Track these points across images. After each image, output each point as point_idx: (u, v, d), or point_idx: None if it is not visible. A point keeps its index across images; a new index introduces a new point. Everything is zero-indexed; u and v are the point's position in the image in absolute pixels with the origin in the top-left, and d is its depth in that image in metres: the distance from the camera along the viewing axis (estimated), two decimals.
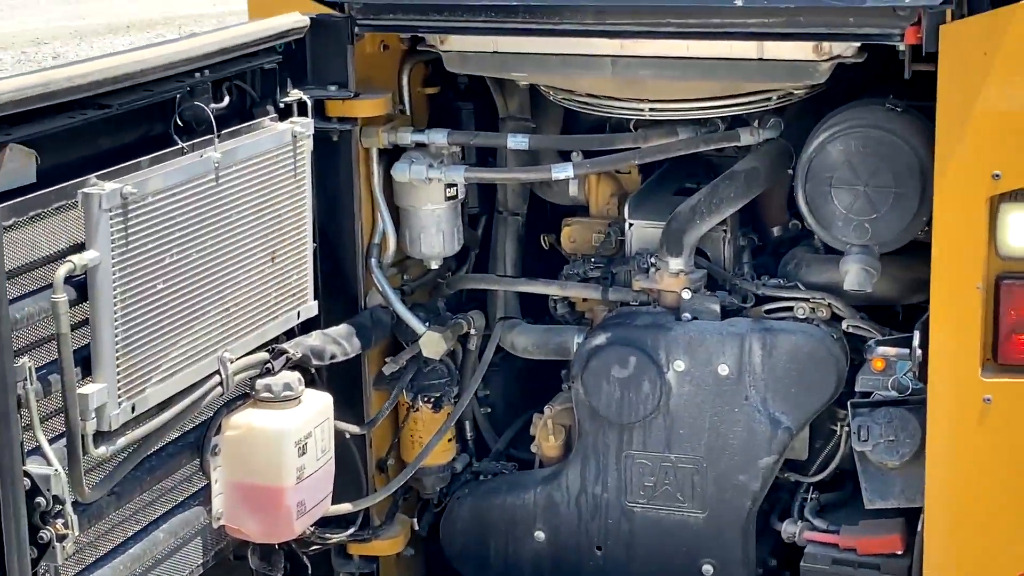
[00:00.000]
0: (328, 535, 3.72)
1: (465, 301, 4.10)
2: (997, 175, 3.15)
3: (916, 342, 3.32)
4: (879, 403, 3.50)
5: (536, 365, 4.05)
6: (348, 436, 3.73)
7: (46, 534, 2.61)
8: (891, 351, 3.44)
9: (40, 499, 2.60)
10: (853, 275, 3.42)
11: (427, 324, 3.78)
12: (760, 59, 3.35)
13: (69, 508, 2.65)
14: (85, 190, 2.71)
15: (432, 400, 3.85)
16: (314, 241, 3.57)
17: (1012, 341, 3.27)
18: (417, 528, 4.03)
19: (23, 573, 2.54)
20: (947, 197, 3.19)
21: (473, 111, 3.98)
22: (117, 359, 2.80)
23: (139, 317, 2.85)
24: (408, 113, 3.82)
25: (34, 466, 2.60)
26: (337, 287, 3.72)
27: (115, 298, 2.77)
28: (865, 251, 3.43)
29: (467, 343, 4.00)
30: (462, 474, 4.06)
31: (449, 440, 3.98)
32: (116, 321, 2.78)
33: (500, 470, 4.03)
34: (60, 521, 2.65)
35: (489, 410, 4.20)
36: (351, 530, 3.78)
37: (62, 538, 2.62)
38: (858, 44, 3.31)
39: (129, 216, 2.79)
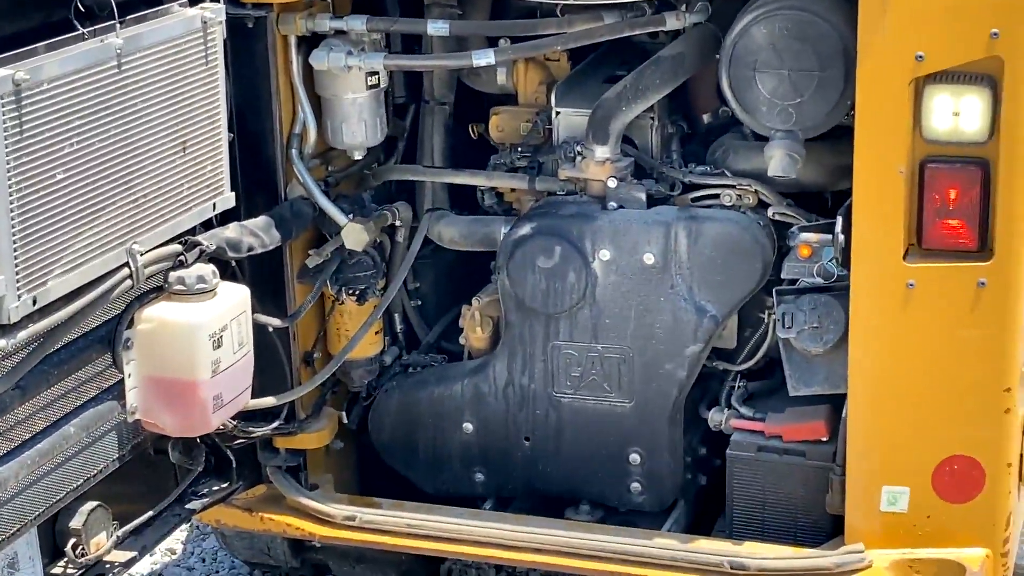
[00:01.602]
0: (252, 429, 3.69)
1: (395, 193, 4.04)
2: (920, 56, 3.10)
3: (839, 228, 3.29)
4: (804, 290, 3.49)
5: (467, 257, 4.01)
6: (271, 329, 3.68)
7: None
8: (814, 237, 3.40)
9: None
10: (777, 161, 3.38)
11: (350, 216, 3.72)
12: None
13: None
14: None
15: (357, 292, 3.80)
16: (231, 132, 3.49)
17: (936, 226, 3.24)
18: (346, 421, 4.00)
19: None
20: (869, 80, 3.15)
21: None
22: (15, 250, 2.73)
23: (37, 207, 2.78)
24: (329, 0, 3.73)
25: None
26: (257, 179, 3.65)
27: (10, 188, 2.69)
28: (789, 136, 3.39)
29: (395, 235, 3.95)
30: (391, 367, 4.03)
31: (376, 333, 3.94)
32: (12, 211, 2.70)
33: (429, 363, 4.01)
34: None
35: (420, 303, 4.16)
36: (275, 424, 3.75)
37: None
38: None
39: (23, 103, 2.70)
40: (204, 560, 4.85)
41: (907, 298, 3.25)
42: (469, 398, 3.83)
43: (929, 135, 3.19)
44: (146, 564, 4.76)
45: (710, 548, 3.56)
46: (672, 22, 3.59)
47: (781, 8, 3.34)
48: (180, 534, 4.91)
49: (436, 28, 3.62)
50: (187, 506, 3.64)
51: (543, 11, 3.84)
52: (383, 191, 4.01)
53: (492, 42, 3.79)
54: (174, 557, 4.85)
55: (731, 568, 3.46)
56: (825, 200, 3.72)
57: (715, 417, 3.73)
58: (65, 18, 3.01)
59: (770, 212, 3.59)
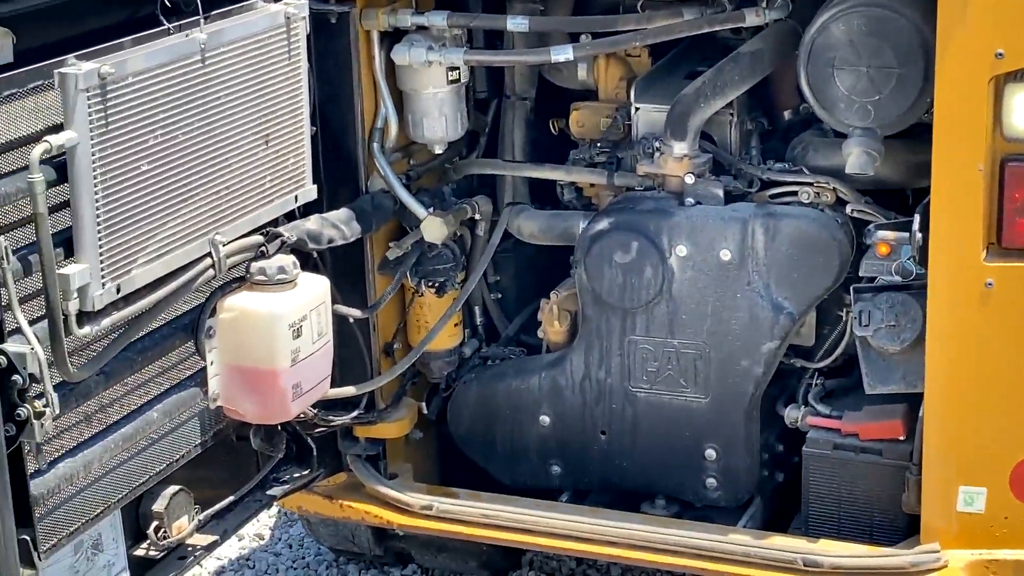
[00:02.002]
0: (332, 418, 3.75)
1: (476, 187, 4.08)
2: (1000, 54, 3.08)
3: (916, 226, 3.27)
4: (882, 288, 3.47)
5: (548, 251, 4.04)
6: (351, 320, 3.74)
7: (23, 412, 2.64)
8: (891, 235, 3.38)
9: (16, 377, 2.62)
10: (855, 158, 3.37)
11: (430, 209, 3.77)
12: None
13: (49, 386, 2.68)
14: (61, 70, 2.70)
15: (436, 285, 3.85)
16: (314, 125, 3.55)
17: (1016, 225, 3.21)
18: (425, 412, 4.06)
19: None
20: (948, 77, 3.12)
21: None
22: (100, 240, 2.80)
23: (122, 198, 2.85)
24: None
25: (10, 344, 2.62)
26: (339, 172, 3.71)
27: (95, 179, 2.77)
28: (867, 134, 3.37)
29: (475, 229, 4.00)
30: (471, 359, 4.07)
31: (456, 325, 3.98)
32: (97, 202, 2.78)
33: (507, 355, 4.04)
34: (39, 399, 2.67)
35: (500, 296, 4.19)
36: (355, 413, 3.80)
37: (39, 415, 2.65)
38: None
39: (108, 96, 2.77)
40: (291, 546, 4.92)
41: (985, 297, 3.22)
42: (546, 391, 3.86)
43: (1010, 133, 3.16)
44: (234, 549, 4.85)
45: (784, 545, 3.56)
46: (752, 18, 3.58)
47: (860, 4, 3.32)
48: (268, 520, 4.99)
49: (516, 24, 3.65)
50: (268, 492, 3.70)
51: (625, 7, 3.87)
52: (465, 185, 4.05)
53: (573, 38, 3.82)
54: (262, 543, 4.93)
55: (804, 565, 3.46)
56: (905, 197, 3.70)
57: (792, 414, 3.73)
58: (152, 13, 3.10)
59: (848, 209, 3.57)
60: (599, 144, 3.87)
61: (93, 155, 2.76)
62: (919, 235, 3.26)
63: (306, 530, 4.66)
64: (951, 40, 3.08)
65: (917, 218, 3.27)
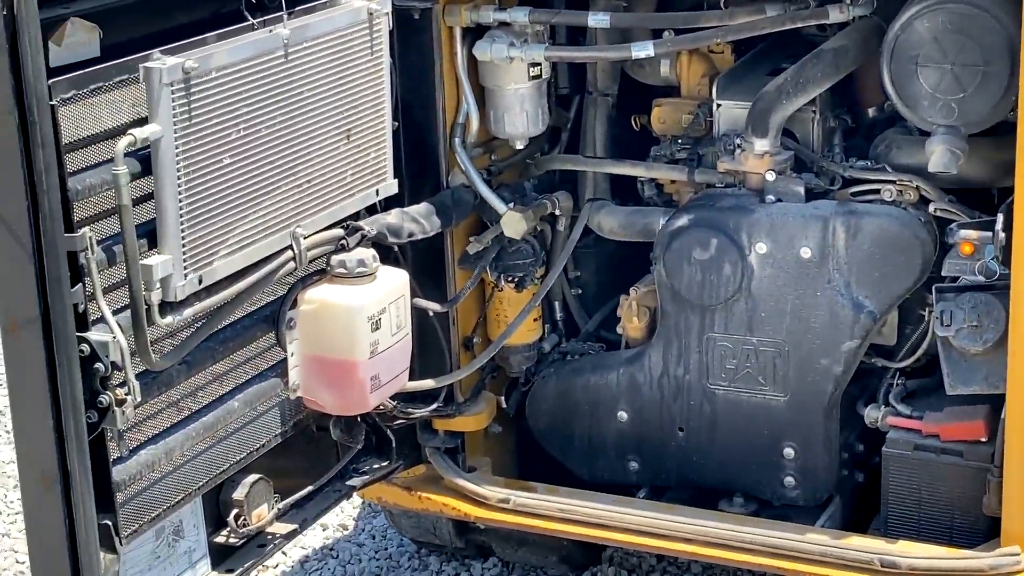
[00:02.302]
0: (411, 410, 3.78)
1: (558, 182, 4.09)
2: None
3: (999, 225, 3.23)
4: (964, 288, 3.43)
5: (629, 247, 4.04)
6: (431, 314, 3.77)
7: (105, 399, 2.70)
8: (974, 235, 3.34)
9: (99, 365, 2.68)
10: (938, 156, 3.33)
11: (510, 204, 3.78)
12: None
13: (131, 374, 2.73)
14: (146, 64, 2.75)
15: (515, 280, 3.87)
16: (396, 120, 3.59)
17: None
18: (505, 406, 4.08)
19: (79, 436, 2.63)
20: None
21: None
22: (182, 231, 2.85)
23: (204, 190, 2.90)
24: None
25: (93, 333, 2.68)
26: (421, 166, 3.74)
27: (178, 171, 2.82)
28: (951, 132, 3.34)
29: (556, 224, 4.01)
30: (550, 354, 4.08)
31: (535, 320, 4.00)
32: (180, 194, 2.83)
33: (586, 350, 4.05)
34: (121, 387, 2.73)
35: (580, 291, 4.20)
36: (434, 406, 3.83)
37: (121, 403, 2.70)
38: None
39: (192, 91, 2.82)
40: (374, 537, 4.97)
41: None
42: (624, 387, 3.86)
43: None
44: (319, 538, 4.90)
45: (861, 545, 3.53)
46: (836, 15, 3.55)
47: (945, 1, 3.29)
48: (352, 511, 5.03)
49: (597, 20, 3.65)
50: (348, 482, 3.73)
51: (708, 3, 3.86)
52: (547, 180, 4.06)
53: (657, 34, 3.82)
54: (345, 533, 4.98)
55: (881, 566, 3.44)
56: (991, 196, 3.66)
57: (872, 414, 3.70)
58: (237, 9, 3.14)
59: (931, 208, 3.54)
60: (680, 140, 3.86)
61: (176, 148, 2.81)
62: (1002, 234, 3.22)
63: (389, 521, 4.70)
64: None
65: (1000, 217, 3.24)
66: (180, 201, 2.84)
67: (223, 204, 2.96)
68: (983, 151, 3.47)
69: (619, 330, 3.98)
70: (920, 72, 3.34)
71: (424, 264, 3.78)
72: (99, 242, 2.74)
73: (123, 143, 2.71)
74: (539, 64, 3.75)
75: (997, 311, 3.36)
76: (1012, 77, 3.23)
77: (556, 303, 4.15)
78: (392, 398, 3.66)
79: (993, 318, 3.37)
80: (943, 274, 3.49)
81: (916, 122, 3.42)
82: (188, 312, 2.92)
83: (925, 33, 3.31)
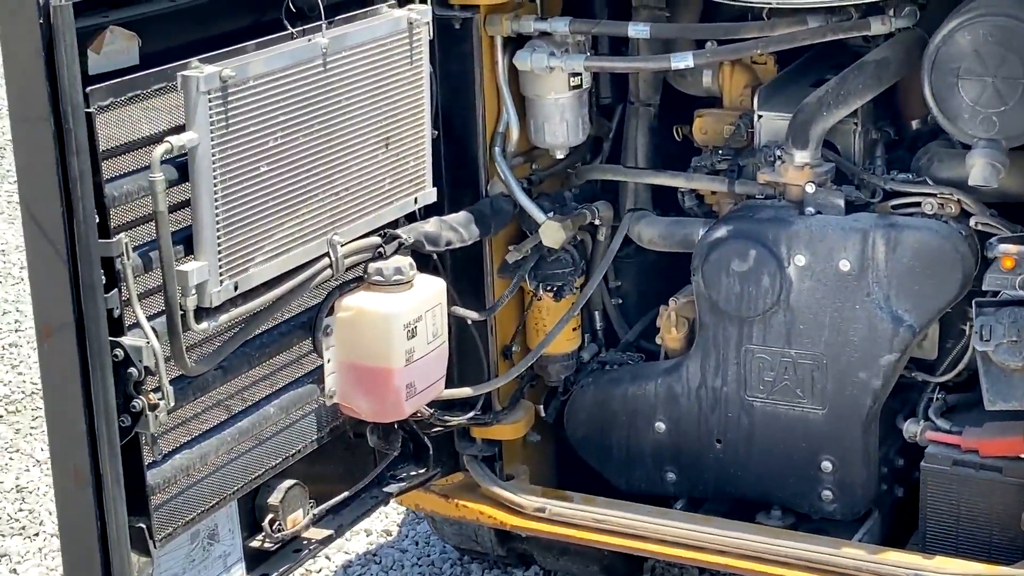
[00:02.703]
0: (449, 418, 3.80)
1: (600, 192, 4.10)
2: None
3: None
4: (1005, 303, 3.40)
5: (670, 258, 4.03)
6: (470, 322, 3.78)
7: (138, 403, 2.73)
8: (1014, 249, 3.32)
9: (132, 370, 2.71)
10: (979, 170, 3.31)
11: (549, 213, 3.79)
12: None
13: (164, 379, 2.76)
14: (184, 72, 2.78)
15: (554, 289, 3.87)
16: (436, 129, 3.61)
17: None
18: (544, 415, 4.08)
19: (111, 439, 2.66)
20: None
21: (606, 0, 3.94)
22: (218, 238, 2.88)
23: (241, 198, 2.93)
24: (538, 1, 3.80)
25: (127, 338, 2.71)
26: (461, 175, 3.75)
27: (215, 179, 2.85)
28: (992, 145, 3.31)
29: (596, 234, 4.01)
30: (589, 363, 4.08)
31: (574, 329, 4.00)
32: (216, 201, 2.86)
33: (625, 360, 4.05)
34: (156, 392, 2.76)
35: (620, 301, 4.20)
36: (472, 413, 3.84)
37: (154, 407, 2.73)
38: None
39: (229, 99, 2.85)
40: (417, 543, 4.98)
41: None
42: (662, 398, 3.86)
43: None
44: (362, 543, 4.92)
45: (898, 560, 3.51)
46: (878, 27, 3.54)
47: (987, 14, 3.27)
48: (396, 517, 5.05)
49: (637, 31, 3.66)
50: (385, 489, 3.75)
51: (753, 15, 3.84)
52: (588, 190, 4.06)
53: (699, 45, 3.81)
54: (389, 539, 5.00)
55: None
56: None
57: (911, 428, 3.67)
58: (277, 18, 3.17)
59: (972, 222, 3.51)
60: (721, 151, 3.85)
61: (213, 156, 2.84)
62: None
63: (431, 528, 4.72)
64: None
65: None
66: (216, 208, 2.87)
67: (259, 211, 2.99)
68: None
69: (658, 340, 3.98)
70: (961, 85, 3.32)
71: (463, 272, 3.79)
72: (136, 248, 2.78)
73: (160, 150, 2.74)
74: (579, 74, 3.76)
75: None
76: None
77: (596, 313, 4.15)
78: (429, 405, 3.67)
79: None
80: (984, 288, 3.46)
81: (957, 135, 3.39)
82: (224, 318, 2.95)
83: (966, 45, 3.29)
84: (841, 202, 3.58)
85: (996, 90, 3.28)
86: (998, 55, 3.26)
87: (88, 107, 2.62)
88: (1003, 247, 3.32)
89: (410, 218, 3.57)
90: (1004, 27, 3.25)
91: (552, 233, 3.75)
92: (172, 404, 2.79)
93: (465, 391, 3.79)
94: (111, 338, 2.69)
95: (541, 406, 4.07)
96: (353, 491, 3.62)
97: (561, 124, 3.79)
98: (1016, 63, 3.25)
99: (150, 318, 2.83)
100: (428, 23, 3.44)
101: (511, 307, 3.94)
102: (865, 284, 3.55)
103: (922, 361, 3.77)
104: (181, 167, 2.85)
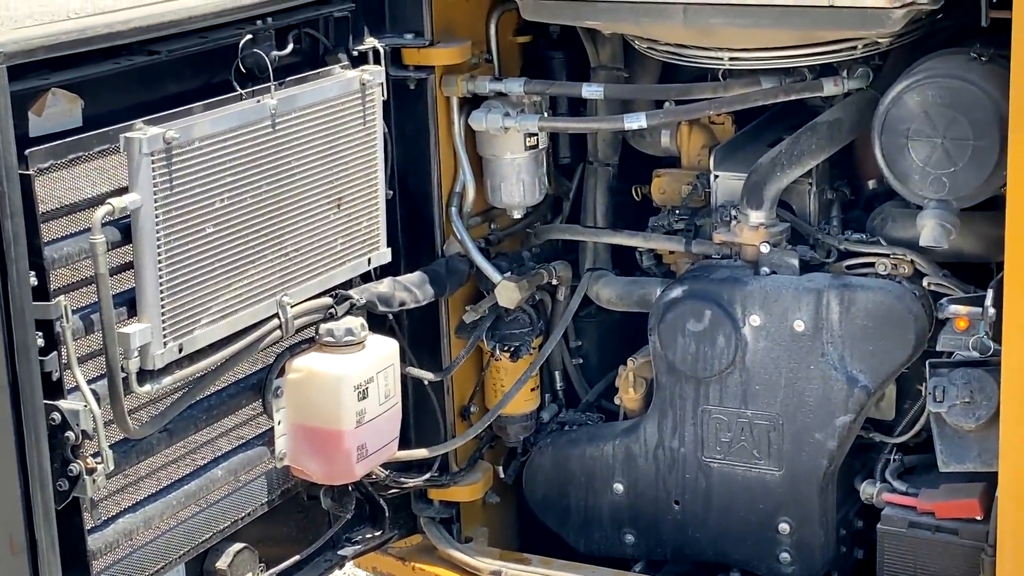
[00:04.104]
0: (405, 480, 3.77)
1: (562, 252, 4.09)
2: None
3: (989, 301, 3.20)
4: (958, 363, 3.38)
5: (632, 318, 4.01)
6: (427, 383, 3.76)
7: (76, 467, 2.70)
8: (964, 309, 3.30)
9: (69, 433, 2.69)
10: (929, 231, 3.30)
11: (506, 273, 3.78)
12: (831, 6, 3.24)
13: (104, 443, 2.74)
14: (127, 134, 2.78)
15: (511, 349, 3.86)
16: (392, 189, 3.61)
17: None
18: (503, 476, 4.05)
19: (46, 504, 2.64)
20: (1022, 149, 3.05)
21: (564, 61, 3.95)
22: (162, 300, 2.87)
23: (185, 259, 2.92)
24: (495, 62, 3.81)
25: (65, 401, 2.69)
26: (417, 235, 3.75)
27: (159, 240, 2.84)
28: (942, 206, 3.30)
29: (556, 294, 4.00)
30: (549, 424, 4.06)
31: (532, 390, 3.98)
32: (160, 263, 2.85)
33: (584, 421, 4.03)
34: (96, 456, 2.73)
35: (581, 361, 4.18)
36: (428, 475, 3.82)
37: (92, 471, 2.70)
38: None
39: (173, 160, 2.85)
40: None
41: None
42: (620, 459, 3.83)
43: None
44: None
45: None
46: (830, 88, 3.55)
47: (935, 76, 3.27)
48: None
49: (592, 91, 3.66)
50: (339, 552, 3.72)
51: (712, 77, 3.85)
52: (549, 249, 4.06)
53: (658, 105, 3.82)
54: None
55: None
56: (990, 271, 3.62)
57: (867, 490, 3.65)
58: (227, 79, 3.17)
59: (925, 282, 3.51)
60: (678, 211, 3.85)
61: (157, 217, 2.84)
62: (992, 310, 3.18)
63: None
64: None
65: (990, 293, 3.20)
66: (159, 269, 2.86)
67: (204, 273, 2.98)
68: (979, 225, 3.44)
69: (616, 401, 3.96)
70: (911, 146, 3.31)
71: (420, 333, 3.78)
72: (78, 310, 2.76)
73: (101, 212, 2.74)
74: (536, 134, 3.76)
75: (990, 387, 3.31)
76: (1002, 152, 3.21)
77: (557, 373, 4.14)
78: (385, 467, 3.65)
79: (986, 394, 3.32)
80: (938, 349, 3.45)
81: (907, 196, 3.39)
82: (167, 380, 2.93)
83: (915, 107, 3.29)
84: (796, 262, 3.57)
85: (945, 151, 3.28)
86: (947, 116, 3.26)
87: (27, 169, 2.61)
88: (953, 308, 3.31)
89: (365, 278, 3.56)
90: (952, 89, 3.25)
91: (508, 293, 3.74)
92: (111, 468, 2.77)
93: (421, 452, 3.77)
94: (48, 401, 2.67)
95: (501, 467, 4.05)
96: (305, 554, 3.59)
97: (518, 184, 3.79)
98: (965, 124, 3.25)
99: (95, 380, 2.82)
100: (381, 84, 3.44)
101: (469, 367, 3.92)
102: (820, 344, 3.54)
103: (880, 422, 3.75)
104: (125, 228, 2.84)
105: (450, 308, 3.82)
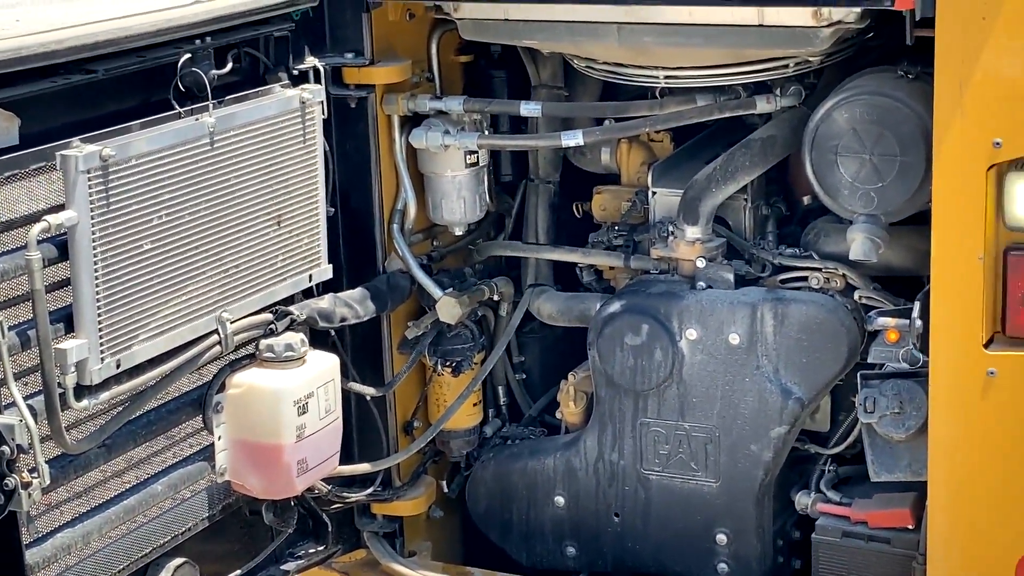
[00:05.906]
0: (347, 494, 3.80)
1: (505, 268, 4.14)
2: (998, 143, 3.07)
3: (916, 313, 3.26)
4: (888, 375, 3.45)
5: (574, 333, 4.06)
6: (369, 398, 3.80)
7: (11, 482, 2.72)
8: (891, 322, 3.38)
9: (4, 448, 2.71)
10: (858, 245, 3.37)
11: (447, 289, 3.82)
12: (760, 25, 3.31)
13: (40, 457, 2.76)
14: (63, 152, 2.81)
15: (453, 364, 3.90)
16: (333, 206, 3.64)
17: (1020, 314, 3.18)
18: (447, 491, 4.09)
19: None
20: (946, 166, 3.12)
21: (506, 80, 4.00)
22: (99, 316, 2.90)
23: (123, 275, 2.95)
24: (436, 81, 3.86)
25: (1, 416, 2.71)
26: (359, 252, 3.78)
27: (95, 257, 2.87)
28: (871, 220, 3.38)
29: (498, 310, 4.05)
30: (492, 438, 4.10)
31: (475, 404, 4.02)
32: (97, 279, 2.88)
33: (526, 435, 4.07)
34: (33, 471, 2.76)
35: (524, 376, 4.23)
36: (370, 490, 3.85)
37: (27, 486, 2.73)
38: (858, 9, 3.24)
39: (110, 178, 2.88)
40: None
41: (987, 386, 3.19)
42: (561, 472, 3.88)
43: (1012, 223, 3.14)
44: None
45: None
46: (763, 105, 3.62)
47: (863, 93, 3.34)
48: None
49: (529, 109, 3.72)
50: (282, 567, 3.75)
51: (652, 96, 3.91)
52: (493, 265, 4.11)
53: (599, 123, 3.87)
54: None
55: None
56: (920, 284, 3.68)
57: (802, 500, 3.71)
58: (166, 98, 3.21)
59: (856, 296, 3.57)
60: (618, 227, 3.91)
61: (93, 234, 2.86)
62: (919, 322, 3.25)
63: None
64: (948, 129, 3.08)
65: (917, 305, 3.27)
66: (97, 286, 2.88)
67: (142, 289, 3.00)
68: (908, 239, 3.51)
69: (558, 415, 4.00)
70: (840, 162, 3.38)
71: (362, 348, 3.82)
72: (14, 327, 2.79)
73: (37, 229, 2.76)
74: (476, 152, 3.81)
75: (919, 398, 3.37)
76: (928, 167, 3.27)
77: (500, 388, 4.18)
78: (327, 481, 3.68)
79: (915, 405, 3.38)
80: (869, 360, 3.51)
81: (837, 211, 3.46)
82: (105, 396, 2.96)
83: (844, 124, 3.36)
84: (731, 276, 3.63)
85: (874, 167, 3.35)
86: (875, 133, 3.33)
87: None
88: (882, 320, 3.38)
89: (307, 295, 3.59)
90: (880, 106, 3.32)
91: (448, 309, 3.79)
92: (47, 482, 2.79)
93: (364, 467, 3.80)
94: None
95: (444, 482, 4.08)
96: (247, 569, 3.62)
97: (459, 201, 3.84)
98: (892, 140, 3.32)
99: (33, 396, 2.84)
100: (321, 102, 3.48)
101: (412, 383, 3.96)
102: (754, 357, 3.59)
103: (816, 433, 3.81)
104: (62, 245, 2.87)
105: (392, 324, 3.86)
